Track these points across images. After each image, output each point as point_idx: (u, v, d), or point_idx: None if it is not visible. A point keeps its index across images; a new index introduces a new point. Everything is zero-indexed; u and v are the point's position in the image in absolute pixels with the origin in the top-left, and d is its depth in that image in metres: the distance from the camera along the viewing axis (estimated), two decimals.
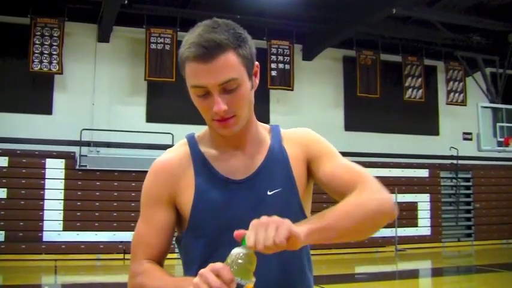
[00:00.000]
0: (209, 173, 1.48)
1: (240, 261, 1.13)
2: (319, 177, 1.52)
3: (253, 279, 1.14)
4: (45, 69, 11.57)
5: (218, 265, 1.12)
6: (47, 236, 11.23)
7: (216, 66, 1.33)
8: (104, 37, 12.41)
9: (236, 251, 1.15)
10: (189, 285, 1.17)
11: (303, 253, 1.53)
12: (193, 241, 1.47)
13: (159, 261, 1.49)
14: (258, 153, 1.52)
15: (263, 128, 1.59)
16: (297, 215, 1.49)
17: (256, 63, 1.45)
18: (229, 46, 1.35)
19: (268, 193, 1.47)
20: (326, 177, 1.51)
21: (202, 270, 1.13)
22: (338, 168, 1.52)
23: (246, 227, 1.41)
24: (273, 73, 13.05)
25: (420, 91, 14.40)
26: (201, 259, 1.43)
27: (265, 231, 1.14)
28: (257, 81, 1.47)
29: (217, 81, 1.34)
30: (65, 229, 11.34)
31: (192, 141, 1.55)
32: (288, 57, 13.24)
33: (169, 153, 1.55)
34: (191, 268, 1.46)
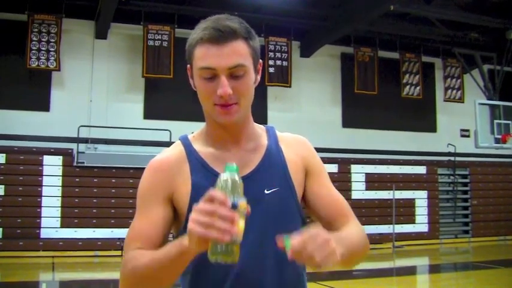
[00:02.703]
0: (205, 170, 1.48)
1: (229, 182, 1.18)
2: (307, 193, 1.57)
3: (244, 198, 1.19)
4: (42, 65, 11.55)
5: (209, 192, 1.15)
6: (45, 233, 11.22)
7: (228, 50, 1.38)
8: (101, 34, 12.39)
9: (223, 176, 1.19)
10: (180, 242, 1.24)
11: None
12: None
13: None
14: (255, 152, 1.53)
15: (258, 128, 1.60)
16: (294, 216, 1.52)
17: (260, 61, 1.50)
18: (241, 35, 1.41)
19: (266, 192, 1.47)
20: (314, 197, 1.56)
21: (195, 205, 1.16)
22: (329, 195, 1.59)
23: (245, 225, 1.41)
24: (271, 70, 13.04)
25: (418, 88, 14.41)
26: (198, 257, 1.43)
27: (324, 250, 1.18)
28: (258, 78, 1.50)
29: (227, 65, 1.37)
30: (63, 226, 11.33)
31: (186, 142, 1.55)
32: (286, 54, 13.24)
33: (165, 153, 1.55)
34: (187, 267, 1.45)
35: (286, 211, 1.49)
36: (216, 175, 1.45)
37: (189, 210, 1.44)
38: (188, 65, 1.48)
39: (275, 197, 1.47)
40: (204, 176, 1.47)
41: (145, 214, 1.47)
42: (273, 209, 1.46)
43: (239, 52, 1.39)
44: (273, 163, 1.52)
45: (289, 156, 1.55)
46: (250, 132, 1.54)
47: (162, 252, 1.32)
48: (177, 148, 1.54)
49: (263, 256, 1.43)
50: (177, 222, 1.51)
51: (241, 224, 1.16)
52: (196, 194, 1.43)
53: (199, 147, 1.53)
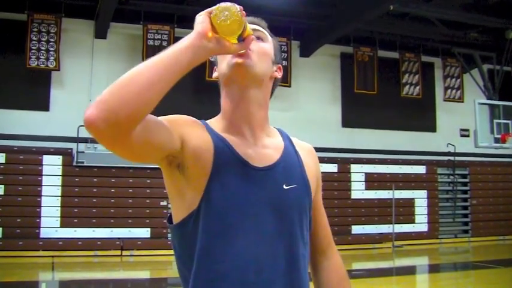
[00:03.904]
0: (228, 150, 1.45)
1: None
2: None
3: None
4: (42, 65, 11.55)
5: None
6: (44, 233, 11.22)
7: (254, 25, 1.53)
8: (101, 33, 12.39)
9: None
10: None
11: (305, 258, 1.53)
12: (202, 220, 1.39)
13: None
14: (273, 149, 1.53)
15: (271, 128, 1.62)
16: (307, 214, 1.54)
17: (279, 65, 1.59)
18: (265, 27, 1.58)
19: (285, 187, 1.48)
20: (313, 211, 1.62)
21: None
22: (323, 220, 1.70)
23: (259, 216, 1.42)
24: None
25: (417, 87, 14.42)
26: (207, 240, 1.39)
27: None
28: (278, 75, 1.57)
29: (252, 26, 1.47)
30: (62, 226, 11.33)
31: (205, 124, 1.52)
32: (286, 54, 13.23)
33: None
34: (194, 250, 1.40)
35: (301, 209, 1.51)
36: (240, 160, 1.44)
37: (207, 190, 1.39)
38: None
39: (293, 194, 1.48)
40: (227, 157, 1.43)
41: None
42: (288, 205, 1.47)
43: (261, 26, 1.55)
44: (291, 161, 1.54)
45: (305, 160, 1.59)
46: (265, 124, 1.56)
47: (156, 56, 1.26)
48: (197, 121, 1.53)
49: (276, 254, 1.43)
50: (184, 203, 1.43)
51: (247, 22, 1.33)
52: (217, 176, 1.40)
53: (219, 131, 1.50)
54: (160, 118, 1.38)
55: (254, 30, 1.47)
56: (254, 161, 1.46)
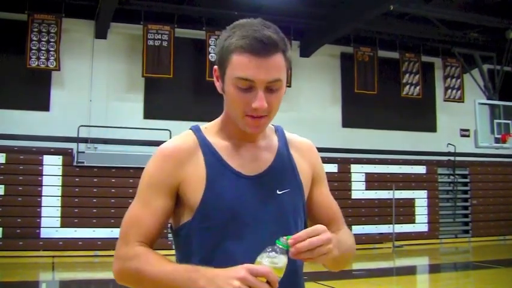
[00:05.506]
0: (220, 164, 1.46)
1: (281, 261, 1.24)
2: (308, 198, 1.60)
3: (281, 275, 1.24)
4: (42, 65, 11.55)
5: (263, 267, 1.21)
6: (45, 233, 11.22)
7: (270, 64, 1.36)
8: (101, 33, 12.39)
9: (278, 250, 1.24)
10: (198, 277, 1.26)
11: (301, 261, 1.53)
12: (197, 232, 1.43)
13: (150, 246, 1.46)
14: (267, 151, 1.54)
15: (268, 127, 1.59)
16: (301, 217, 1.54)
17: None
18: (281, 48, 1.40)
19: (278, 192, 1.48)
20: (313, 204, 1.61)
21: (242, 274, 1.20)
22: (326, 202, 1.65)
23: (255, 223, 1.42)
24: None
25: (417, 88, 14.42)
26: (204, 251, 1.42)
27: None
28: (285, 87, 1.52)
29: (267, 79, 1.37)
30: (63, 226, 11.33)
31: (198, 133, 1.52)
32: None
33: (177, 140, 1.51)
34: (191, 260, 1.42)
35: (295, 212, 1.51)
36: (231, 171, 1.45)
37: (202, 204, 1.42)
38: (216, 66, 1.46)
39: (286, 198, 1.49)
40: (219, 170, 1.46)
41: (148, 203, 1.45)
42: (283, 210, 1.48)
43: (279, 66, 1.39)
44: (284, 164, 1.54)
45: (298, 160, 1.57)
46: (264, 131, 1.55)
47: (171, 272, 1.34)
48: (189, 137, 1.51)
49: None
50: (183, 214, 1.47)
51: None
52: (211, 189, 1.43)
53: (213, 140, 1.50)
54: (150, 191, 1.48)
55: (269, 82, 1.37)
56: (246, 170, 1.47)
